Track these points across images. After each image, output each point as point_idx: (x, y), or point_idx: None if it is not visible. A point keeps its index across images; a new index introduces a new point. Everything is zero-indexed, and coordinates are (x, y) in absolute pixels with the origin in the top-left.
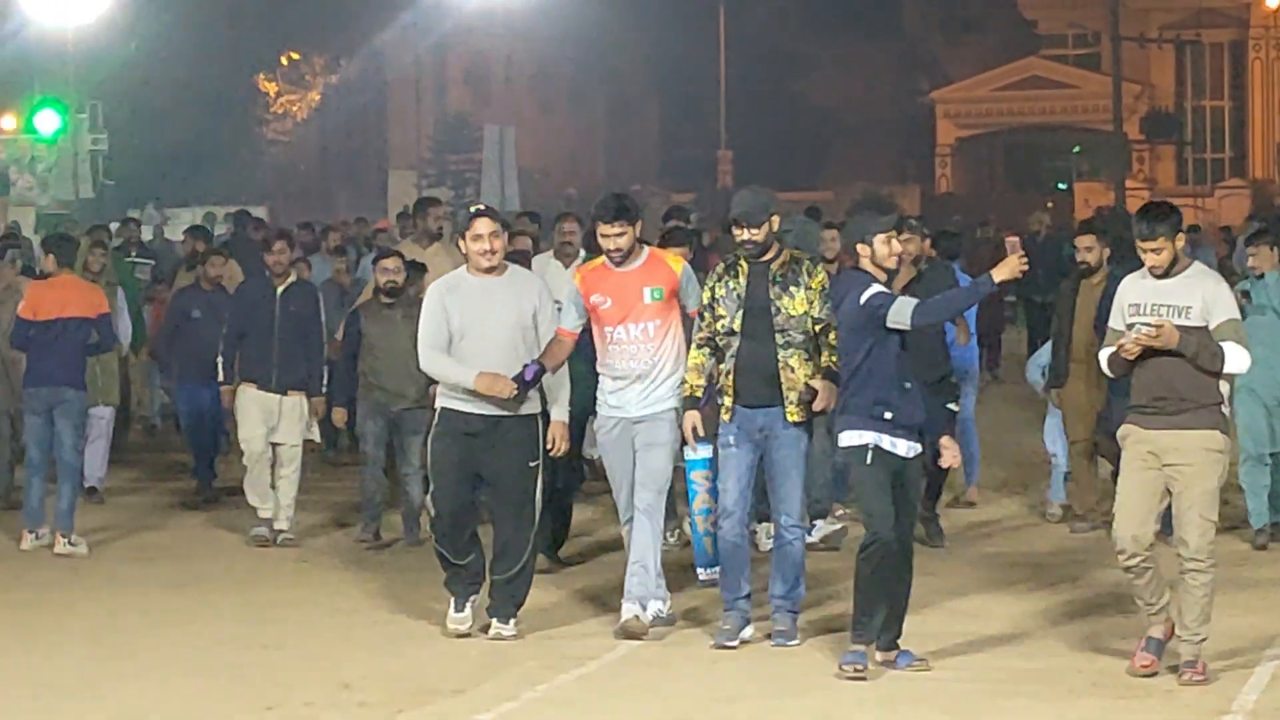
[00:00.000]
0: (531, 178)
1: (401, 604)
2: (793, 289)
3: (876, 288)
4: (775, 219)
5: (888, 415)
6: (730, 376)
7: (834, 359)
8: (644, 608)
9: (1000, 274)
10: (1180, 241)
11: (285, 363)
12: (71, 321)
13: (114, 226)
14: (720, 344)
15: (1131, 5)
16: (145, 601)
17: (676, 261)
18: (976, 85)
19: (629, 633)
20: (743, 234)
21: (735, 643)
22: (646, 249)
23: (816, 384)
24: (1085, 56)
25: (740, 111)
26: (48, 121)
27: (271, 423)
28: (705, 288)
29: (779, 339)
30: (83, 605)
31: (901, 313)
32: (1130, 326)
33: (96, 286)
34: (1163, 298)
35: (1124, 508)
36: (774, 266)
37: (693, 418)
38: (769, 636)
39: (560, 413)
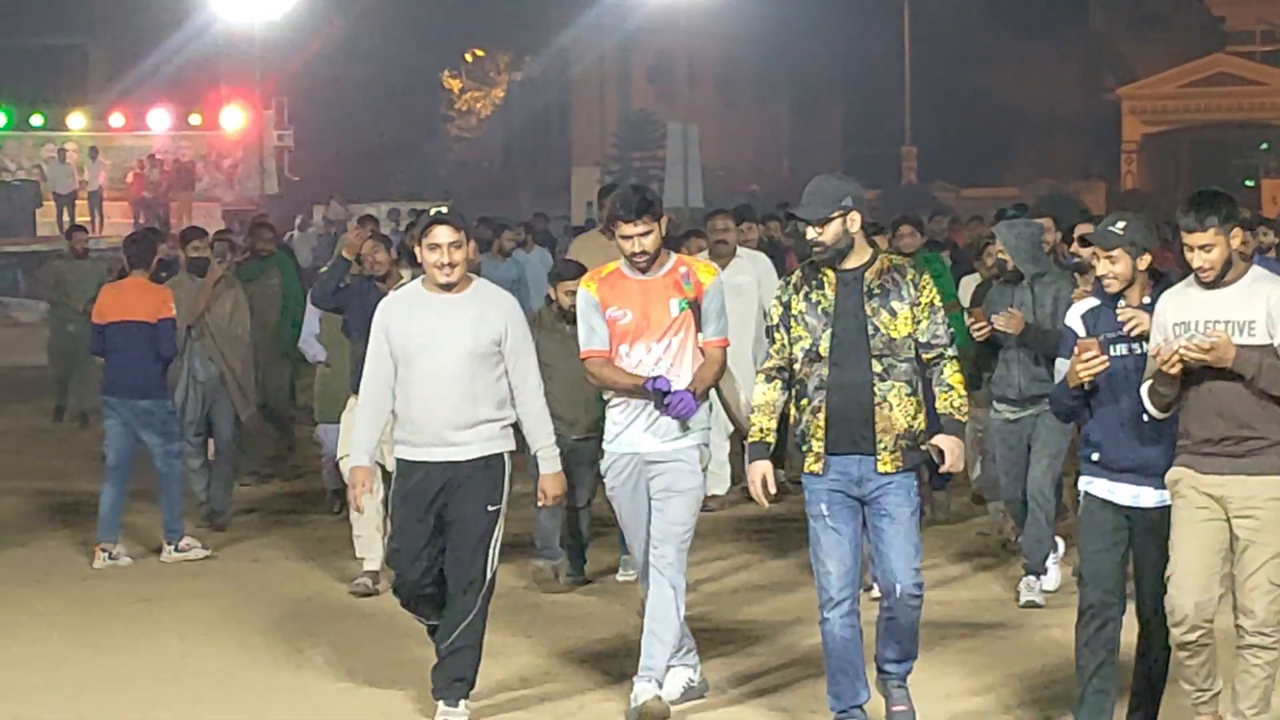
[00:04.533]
0: (715, 175)
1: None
2: (894, 304)
3: (1079, 309)
4: (854, 216)
5: (1094, 457)
6: (820, 415)
7: (959, 405)
8: (660, 684)
9: (1073, 382)
10: (1236, 240)
11: None
12: (132, 325)
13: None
14: (800, 374)
15: None
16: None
17: (709, 272)
18: (1163, 82)
19: (648, 716)
20: (808, 232)
21: None
22: (673, 254)
23: (941, 442)
24: (1273, 53)
25: (924, 108)
26: (234, 118)
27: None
28: (776, 301)
29: (876, 367)
30: (215, 599)
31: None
32: None
33: (164, 290)
34: (1217, 312)
35: (1183, 569)
36: (868, 275)
37: (762, 468)
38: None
39: (548, 463)
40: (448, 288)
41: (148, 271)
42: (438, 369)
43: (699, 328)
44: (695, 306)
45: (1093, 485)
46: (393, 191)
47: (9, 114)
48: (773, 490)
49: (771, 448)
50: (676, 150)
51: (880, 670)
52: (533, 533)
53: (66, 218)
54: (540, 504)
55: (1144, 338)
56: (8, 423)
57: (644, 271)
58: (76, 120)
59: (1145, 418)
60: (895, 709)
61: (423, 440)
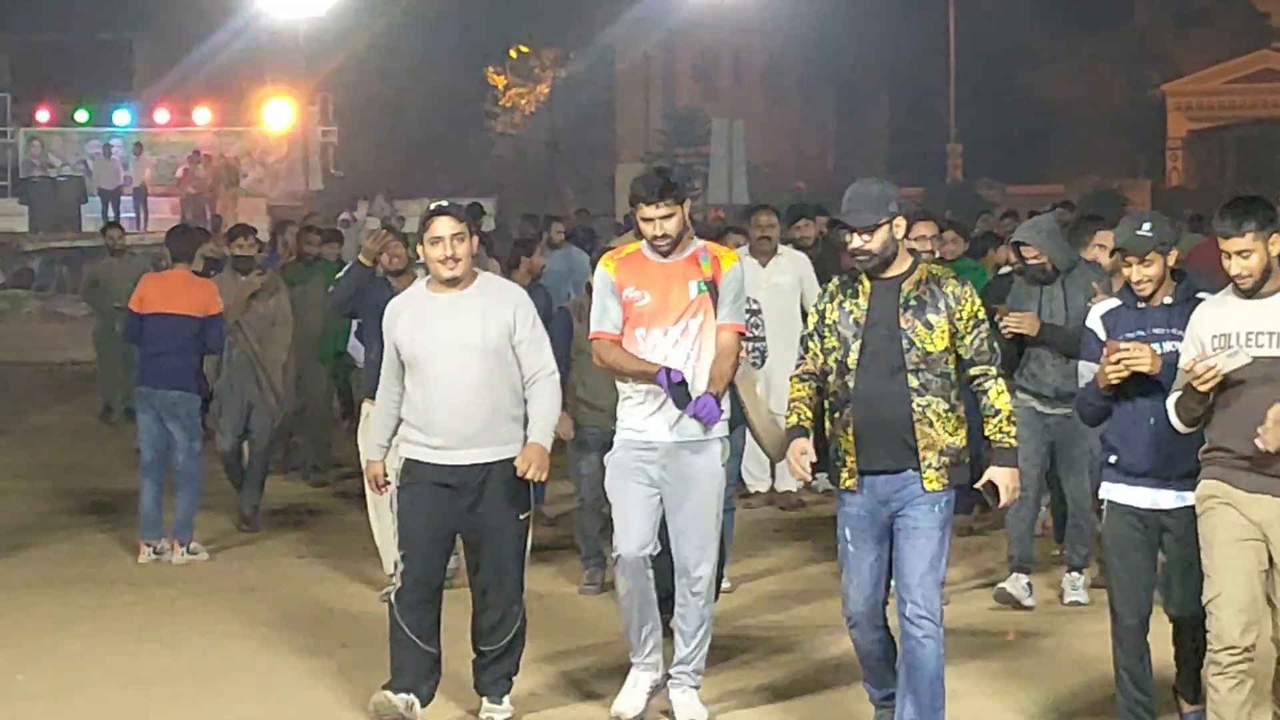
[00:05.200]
0: (760, 172)
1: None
2: (930, 316)
3: (1099, 310)
4: (899, 221)
5: (1113, 460)
6: (849, 430)
7: (1009, 429)
8: (697, 686)
9: (1103, 383)
10: (1275, 246)
11: None
12: (175, 318)
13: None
14: (832, 386)
15: None
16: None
17: (730, 256)
18: (1208, 78)
19: None
20: (853, 240)
21: None
22: (697, 239)
23: (996, 476)
24: None
25: (969, 105)
26: (279, 114)
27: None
28: (813, 309)
29: (913, 381)
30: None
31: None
32: None
33: (210, 284)
34: (1258, 323)
35: (1228, 591)
36: (905, 285)
37: (801, 444)
38: None
39: (542, 436)
40: (452, 284)
41: (190, 265)
42: (453, 371)
43: (717, 313)
44: (713, 288)
45: (1113, 492)
46: (438, 187)
47: (54, 109)
48: (813, 458)
49: (809, 432)
50: (721, 147)
51: None
52: (574, 536)
53: (111, 213)
54: (519, 473)
55: (1169, 338)
56: (53, 420)
57: (665, 255)
58: (122, 116)
59: (1153, 420)
60: None
61: (443, 443)
